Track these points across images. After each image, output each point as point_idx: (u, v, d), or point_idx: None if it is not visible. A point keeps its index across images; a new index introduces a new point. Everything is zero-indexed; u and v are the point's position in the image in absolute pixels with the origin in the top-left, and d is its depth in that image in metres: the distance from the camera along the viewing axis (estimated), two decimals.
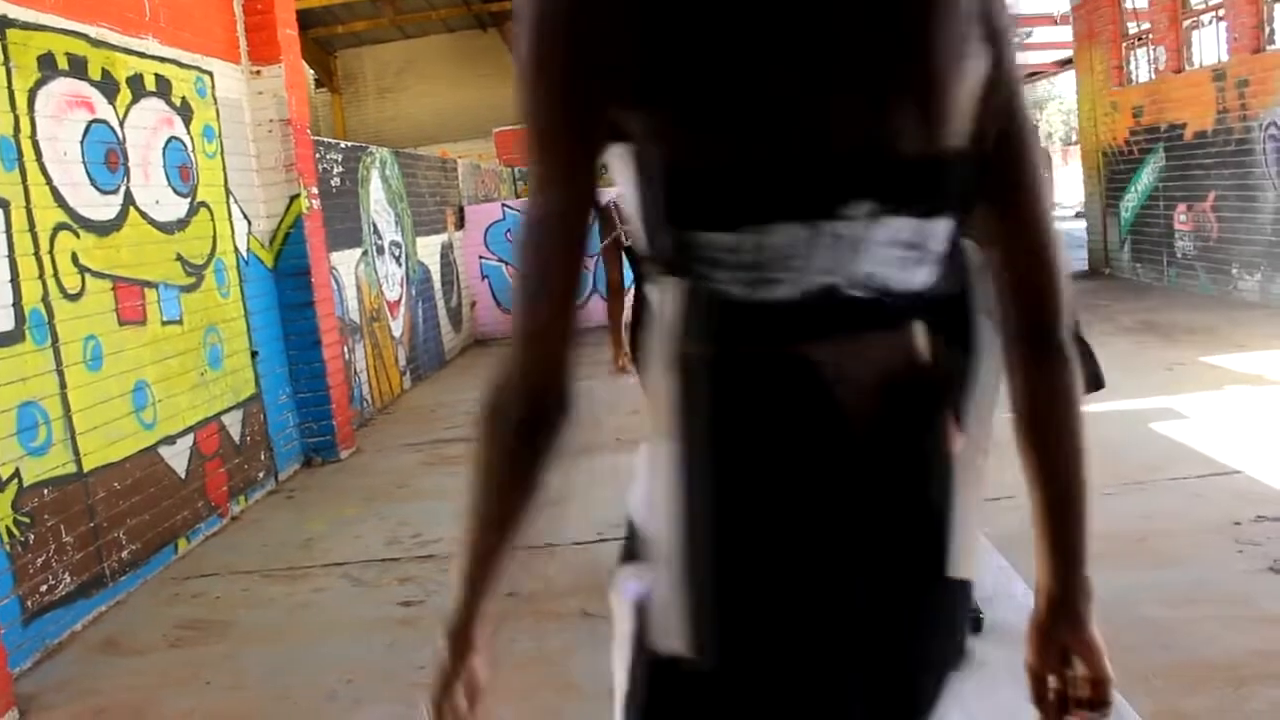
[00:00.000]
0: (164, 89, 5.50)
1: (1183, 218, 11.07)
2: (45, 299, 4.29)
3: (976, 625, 3.18)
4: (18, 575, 3.94)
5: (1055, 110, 43.82)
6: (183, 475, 5.27)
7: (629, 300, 4.28)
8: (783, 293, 0.94)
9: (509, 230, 11.89)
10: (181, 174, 5.60)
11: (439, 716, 1.15)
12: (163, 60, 5.51)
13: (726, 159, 0.92)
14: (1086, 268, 13.45)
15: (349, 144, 9.10)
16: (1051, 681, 1.13)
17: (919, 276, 0.99)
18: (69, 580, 4.25)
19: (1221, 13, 10.23)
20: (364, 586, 4.52)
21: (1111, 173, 12.89)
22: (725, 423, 0.97)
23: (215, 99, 6.08)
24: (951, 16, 0.94)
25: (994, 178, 1.02)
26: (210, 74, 6.05)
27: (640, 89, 0.93)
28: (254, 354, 6.24)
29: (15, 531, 3.95)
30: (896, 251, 0.96)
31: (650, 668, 1.02)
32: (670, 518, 0.97)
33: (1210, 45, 10.80)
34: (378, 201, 9.17)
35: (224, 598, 4.58)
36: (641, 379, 1.13)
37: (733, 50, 0.91)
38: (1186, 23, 11.05)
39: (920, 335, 1.02)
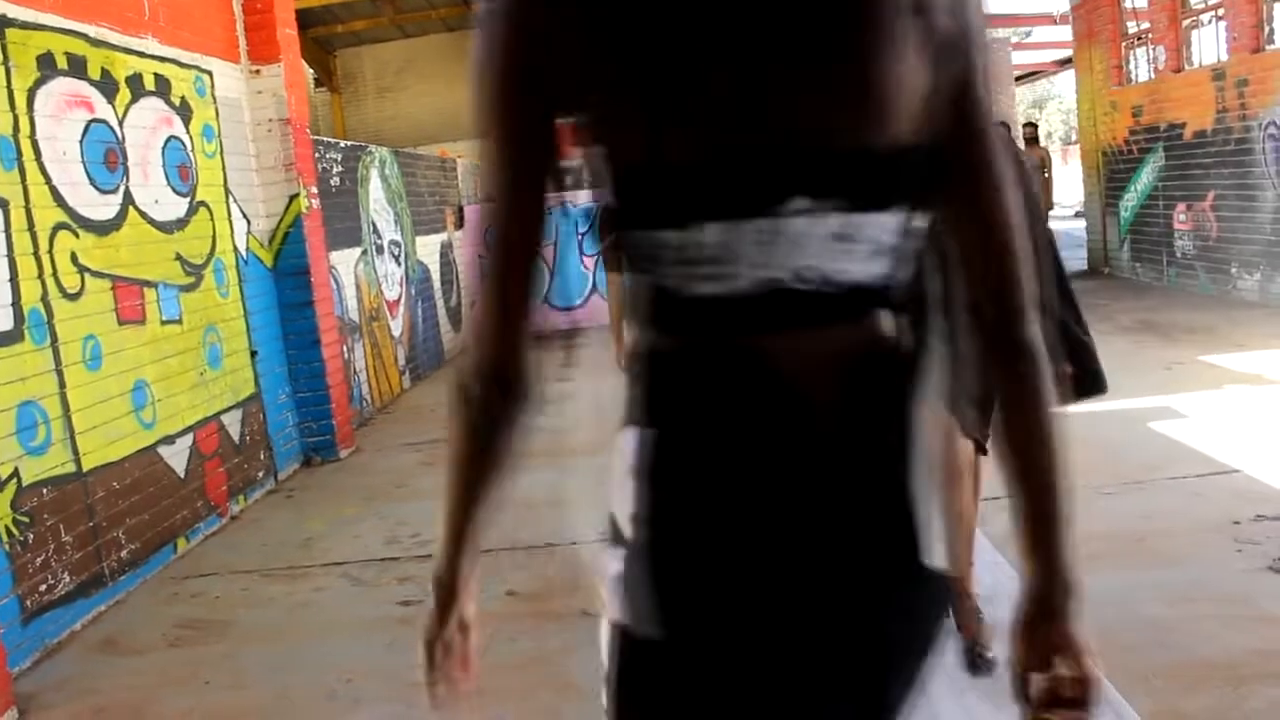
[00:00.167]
0: (163, 88, 5.50)
1: (1182, 217, 11.07)
2: (44, 298, 4.29)
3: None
4: (17, 575, 3.94)
5: (1055, 110, 43.83)
6: (182, 475, 5.27)
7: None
8: (728, 287, 0.98)
9: None
10: (181, 173, 5.59)
11: (430, 652, 1.29)
12: (162, 60, 5.51)
13: (662, 161, 0.95)
14: (1086, 267, 13.45)
15: (348, 143, 9.09)
16: (1036, 681, 1.12)
17: (869, 268, 1.00)
18: (68, 580, 4.25)
19: (1221, 12, 10.23)
20: (363, 586, 4.52)
21: (1111, 172, 12.89)
22: (677, 411, 1.03)
23: (214, 98, 6.08)
24: (883, 14, 0.95)
25: (949, 171, 1.03)
26: (210, 73, 6.05)
27: (576, 96, 0.98)
28: (253, 353, 6.24)
29: (14, 531, 3.95)
30: (838, 245, 0.98)
31: (616, 642, 1.09)
32: (625, 499, 1.05)
33: (1210, 45, 10.81)
34: (377, 201, 9.17)
35: (223, 597, 4.58)
36: None
37: (661, 55, 0.94)
38: (1186, 22, 11.05)
39: (883, 324, 1.03)
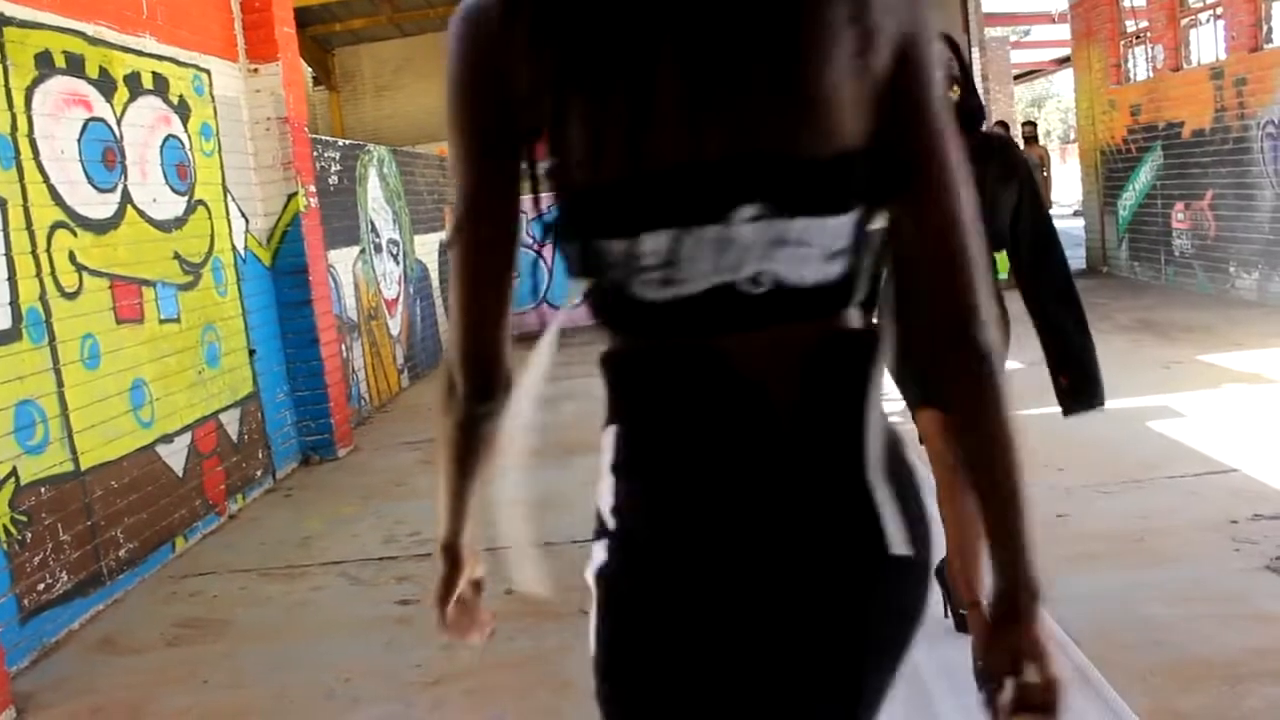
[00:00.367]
0: (161, 87, 5.49)
1: (1180, 216, 11.07)
2: (42, 297, 4.29)
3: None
4: (15, 574, 3.94)
5: (1053, 108, 43.83)
6: (180, 474, 5.27)
7: None
8: (683, 291, 1.02)
9: None
10: (179, 172, 5.59)
11: (441, 616, 1.35)
12: (160, 58, 5.51)
13: (610, 173, 0.99)
14: (1084, 266, 13.46)
15: (347, 142, 9.09)
16: (1002, 684, 1.11)
17: (823, 271, 1.03)
18: (66, 579, 4.24)
19: (1219, 11, 10.23)
20: (362, 585, 4.52)
21: (1109, 171, 12.89)
22: (642, 409, 1.10)
23: (213, 97, 6.08)
24: (823, 27, 0.98)
25: (901, 176, 1.05)
26: (208, 72, 6.05)
27: (532, 111, 1.02)
28: (251, 352, 6.23)
29: (12, 530, 3.95)
30: (789, 250, 1.01)
31: (600, 629, 1.16)
32: (605, 493, 1.14)
33: (1208, 44, 10.82)
34: (375, 199, 9.16)
35: (221, 596, 4.58)
36: None
37: (607, 73, 0.98)
38: (1184, 21, 11.05)
39: (839, 322, 1.07)
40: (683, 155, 0.98)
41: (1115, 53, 12.58)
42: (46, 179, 4.41)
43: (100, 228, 4.79)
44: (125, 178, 5.06)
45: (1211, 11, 10.54)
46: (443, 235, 11.26)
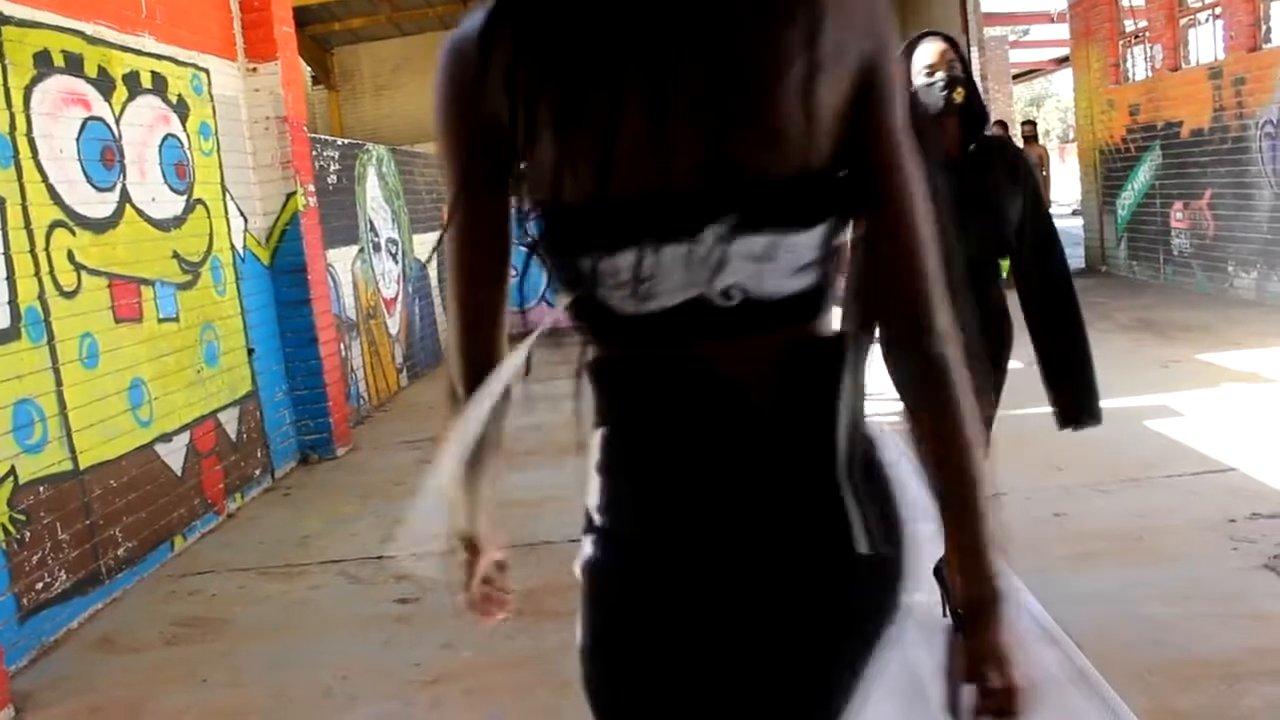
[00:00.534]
0: (160, 86, 5.49)
1: (1179, 215, 11.08)
2: (41, 296, 4.29)
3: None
4: (13, 573, 3.94)
5: (1052, 108, 43.84)
6: (179, 473, 5.27)
7: None
8: (658, 304, 1.07)
9: None
10: (178, 171, 5.59)
11: (468, 597, 1.42)
12: (159, 57, 5.51)
13: (583, 195, 1.04)
14: (1083, 265, 13.46)
15: (346, 141, 9.09)
16: (965, 692, 1.13)
17: (792, 283, 1.08)
18: (65, 578, 4.24)
19: (1218, 11, 10.23)
20: (360, 584, 4.52)
21: (1108, 170, 12.90)
22: (622, 413, 1.17)
23: (211, 96, 6.07)
24: (784, 55, 1.02)
25: (862, 192, 1.09)
26: (206, 71, 6.04)
27: (513, 138, 1.07)
28: (250, 351, 6.23)
29: (11, 529, 3.95)
30: (757, 264, 1.05)
31: (585, 618, 1.24)
32: (592, 492, 1.22)
33: (1207, 43, 10.82)
34: (374, 199, 9.16)
35: (220, 595, 4.58)
36: None
37: (578, 101, 1.03)
38: (1183, 21, 11.06)
39: (810, 329, 1.12)
40: (653, 177, 1.03)
41: (1114, 52, 12.58)
42: (45, 178, 4.41)
43: (99, 227, 4.79)
44: (124, 177, 5.06)
45: (1210, 11, 10.54)
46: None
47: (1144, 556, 3.92)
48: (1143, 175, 11.88)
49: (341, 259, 8.04)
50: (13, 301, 4.10)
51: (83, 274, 4.60)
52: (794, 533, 1.12)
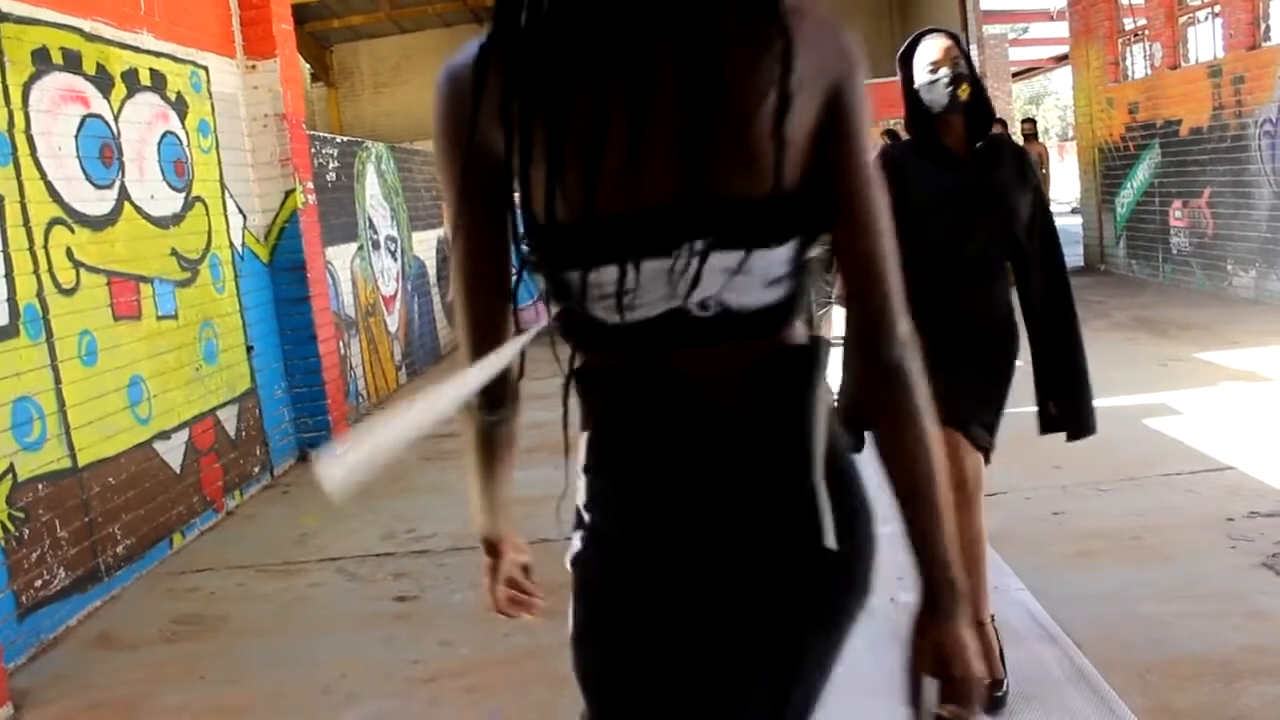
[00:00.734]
0: (159, 84, 5.49)
1: (1178, 214, 11.08)
2: (40, 294, 4.29)
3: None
4: (12, 570, 3.94)
5: (1052, 106, 43.82)
6: (178, 470, 5.27)
7: None
8: (640, 315, 1.15)
9: None
10: (176, 169, 5.59)
11: (493, 598, 1.52)
12: (158, 55, 5.50)
13: (576, 215, 1.11)
14: (1082, 263, 13.47)
15: (345, 139, 9.08)
16: (925, 681, 1.19)
17: (765, 295, 1.16)
18: (64, 575, 4.24)
19: (1217, 9, 10.23)
20: (359, 581, 4.53)
21: (1107, 169, 12.90)
22: (606, 418, 1.25)
23: (210, 94, 6.07)
24: (757, 87, 1.09)
25: (828, 212, 1.17)
26: (205, 68, 6.04)
27: (506, 160, 1.15)
28: (249, 349, 6.23)
29: (10, 526, 3.95)
30: (731, 279, 1.13)
31: (575, 607, 1.34)
32: (580, 490, 1.31)
33: (1206, 41, 10.82)
34: (373, 196, 9.16)
35: (219, 593, 4.58)
36: None
37: (566, 128, 1.10)
38: (1183, 19, 11.06)
39: (782, 337, 1.20)
40: (636, 199, 1.11)
41: (1113, 50, 12.58)
42: (44, 176, 4.41)
43: (98, 224, 4.79)
44: (123, 174, 5.05)
45: (1210, 9, 10.54)
46: (441, 232, 11.25)
47: (1142, 555, 3.93)
48: (1142, 173, 11.88)
49: (340, 256, 8.04)
50: (11, 299, 4.10)
51: (81, 271, 4.60)
52: (762, 529, 1.20)
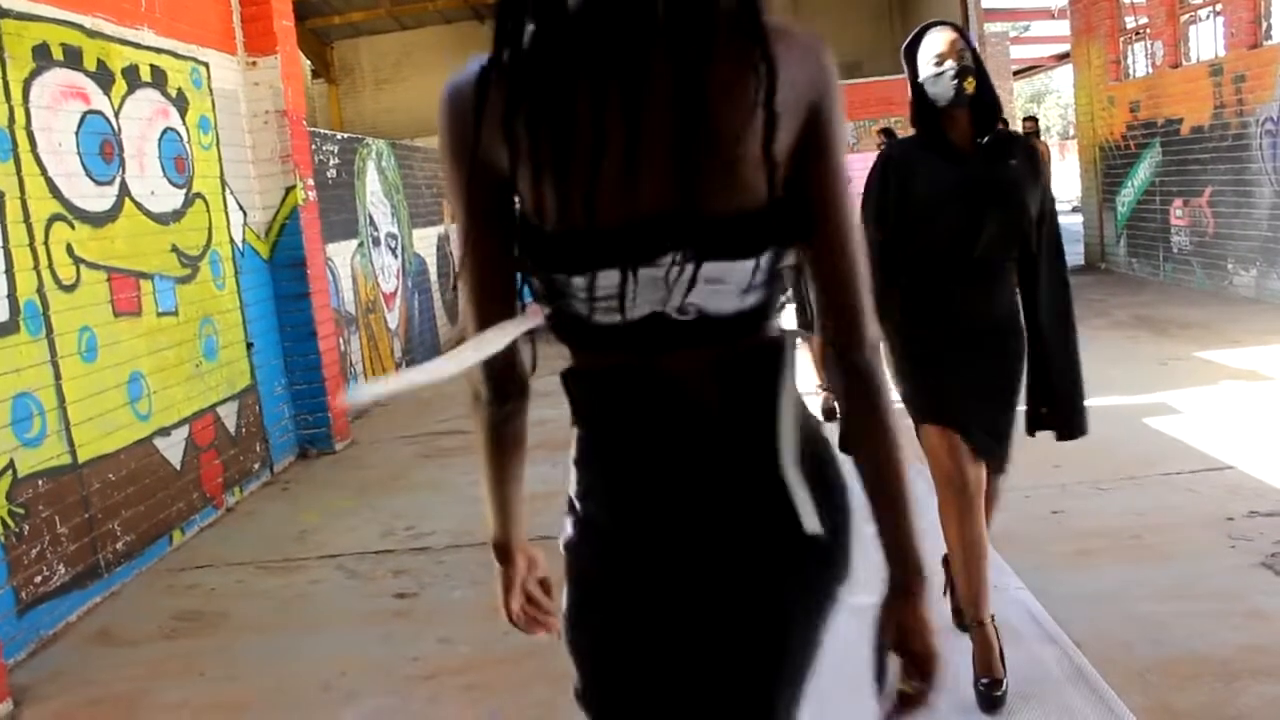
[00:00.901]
0: (159, 80, 5.49)
1: (1179, 213, 11.08)
2: (40, 290, 4.29)
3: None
4: (12, 566, 3.94)
5: (1053, 104, 43.81)
6: (178, 467, 5.27)
7: None
8: (624, 318, 1.21)
9: None
10: (177, 165, 5.58)
11: (509, 610, 1.55)
12: (158, 51, 5.50)
13: (572, 225, 1.18)
14: (1083, 262, 13.47)
15: (345, 135, 9.08)
16: (890, 658, 1.28)
17: (741, 302, 1.22)
18: (63, 571, 4.25)
19: (1219, 8, 10.23)
20: (358, 579, 4.53)
21: (1108, 167, 12.90)
22: (594, 414, 1.33)
23: (211, 90, 6.07)
24: (737, 109, 1.15)
25: (802, 224, 1.23)
26: (206, 65, 6.04)
27: (510, 173, 1.20)
28: (249, 345, 6.23)
29: (10, 523, 3.95)
30: (709, 286, 1.20)
31: (568, 591, 1.40)
32: (571, 482, 1.38)
33: (1208, 40, 10.82)
34: (374, 193, 9.16)
35: (218, 589, 4.58)
36: None
37: (565, 144, 1.17)
38: (1184, 17, 11.05)
39: (757, 338, 1.26)
40: (625, 212, 1.17)
41: (1115, 49, 12.58)
42: (44, 171, 4.41)
43: (98, 220, 4.79)
44: (123, 170, 5.05)
45: (1211, 8, 10.54)
46: (441, 229, 11.25)
47: (1142, 554, 3.93)
48: (1143, 172, 11.88)
49: (341, 253, 8.04)
50: (12, 295, 4.10)
51: (82, 268, 4.60)
52: (741, 517, 1.27)
